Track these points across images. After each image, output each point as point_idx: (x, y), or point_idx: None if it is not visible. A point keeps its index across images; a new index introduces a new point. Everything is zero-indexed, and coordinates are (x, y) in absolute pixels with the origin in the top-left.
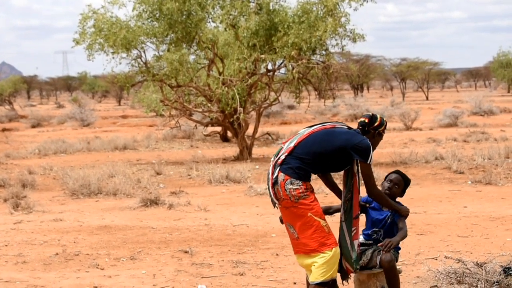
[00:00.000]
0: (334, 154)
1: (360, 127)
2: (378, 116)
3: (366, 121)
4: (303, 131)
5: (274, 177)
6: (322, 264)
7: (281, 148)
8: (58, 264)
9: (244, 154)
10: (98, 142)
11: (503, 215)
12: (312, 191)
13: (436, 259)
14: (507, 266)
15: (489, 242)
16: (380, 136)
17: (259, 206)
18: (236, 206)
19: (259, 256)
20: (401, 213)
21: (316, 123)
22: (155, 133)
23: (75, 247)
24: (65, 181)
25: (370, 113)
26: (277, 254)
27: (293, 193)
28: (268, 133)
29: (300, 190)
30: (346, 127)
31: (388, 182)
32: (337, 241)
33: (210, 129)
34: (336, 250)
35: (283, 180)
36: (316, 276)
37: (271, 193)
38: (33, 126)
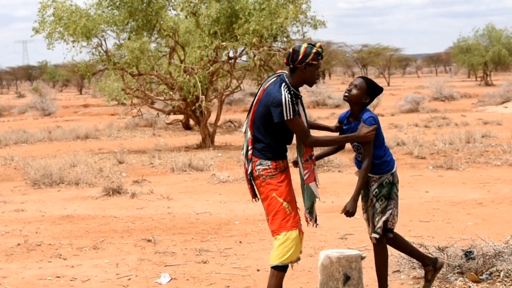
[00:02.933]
0: (271, 120)
1: (289, 68)
2: (302, 47)
3: (285, 61)
4: (249, 114)
5: (249, 172)
6: (278, 246)
7: (244, 142)
8: (20, 255)
9: (207, 142)
10: (59, 131)
11: (464, 200)
12: (283, 171)
13: None
14: (468, 250)
15: (451, 226)
16: (312, 66)
17: (222, 194)
18: (199, 194)
19: (222, 244)
20: (360, 140)
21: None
22: (117, 122)
23: (37, 237)
24: (26, 171)
25: (291, 49)
26: (240, 242)
27: (261, 173)
28: (230, 121)
29: (268, 170)
30: (273, 80)
31: (349, 86)
32: (297, 224)
33: (172, 117)
34: (292, 233)
35: (254, 161)
36: (272, 259)
37: (249, 191)
38: None
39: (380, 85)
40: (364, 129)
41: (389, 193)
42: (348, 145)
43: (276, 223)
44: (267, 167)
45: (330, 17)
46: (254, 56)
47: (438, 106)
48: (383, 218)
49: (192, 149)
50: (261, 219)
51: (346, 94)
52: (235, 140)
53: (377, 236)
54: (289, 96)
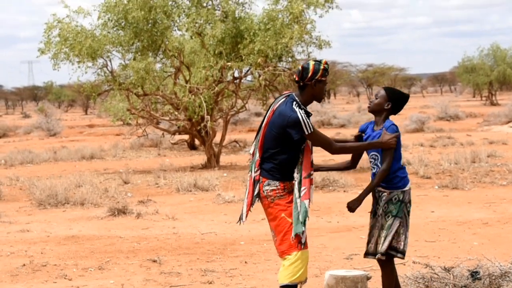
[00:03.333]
0: (285, 140)
1: (298, 85)
2: (310, 65)
3: (296, 78)
4: (258, 136)
5: (255, 194)
6: (288, 266)
7: (252, 163)
8: (25, 275)
9: (212, 162)
10: (65, 152)
11: (470, 219)
12: (290, 192)
13: (404, 264)
14: (474, 270)
15: (456, 246)
16: (321, 82)
17: (227, 214)
18: (204, 214)
19: (228, 264)
20: (383, 146)
21: (265, 114)
22: (122, 142)
23: (43, 258)
24: (31, 191)
25: (300, 66)
26: (245, 262)
27: (269, 193)
28: (235, 141)
29: (277, 191)
30: (282, 101)
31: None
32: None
33: (177, 137)
34: (304, 253)
35: (261, 182)
36: (282, 279)
37: (245, 210)
38: None
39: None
40: (386, 136)
41: (397, 211)
42: (360, 163)
43: (286, 243)
44: (275, 187)
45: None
46: (259, 76)
47: (444, 126)
48: (389, 238)
49: (197, 169)
50: (267, 239)
51: (369, 105)
52: (241, 160)
53: (382, 257)
54: (303, 112)
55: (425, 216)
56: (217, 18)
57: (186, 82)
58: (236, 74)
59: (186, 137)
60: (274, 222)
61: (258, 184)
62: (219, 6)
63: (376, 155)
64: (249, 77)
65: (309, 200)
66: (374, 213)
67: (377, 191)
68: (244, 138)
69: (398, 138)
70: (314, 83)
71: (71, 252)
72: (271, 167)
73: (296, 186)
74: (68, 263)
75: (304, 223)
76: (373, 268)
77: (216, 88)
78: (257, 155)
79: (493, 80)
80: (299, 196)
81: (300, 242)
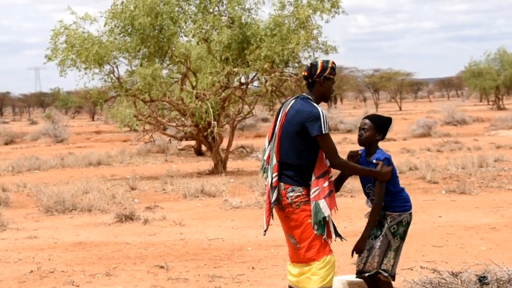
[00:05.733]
0: (303, 139)
1: (305, 82)
2: (319, 62)
3: (306, 74)
4: (273, 140)
5: (273, 200)
6: (318, 270)
7: (267, 169)
8: (33, 282)
9: (219, 167)
10: (72, 158)
11: (478, 224)
12: None
13: (412, 270)
14: (482, 275)
15: (464, 251)
16: (329, 80)
17: (234, 220)
18: (212, 220)
19: (235, 270)
20: (378, 178)
21: (274, 120)
22: (129, 148)
23: (50, 264)
24: (39, 198)
25: (309, 64)
26: (253, 268)
27: (294, 200)
28: (242, 146)
29: (302, 197)
30: (294, 101)
31: (359, 130)
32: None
33: (184, 143)
34: (332, 258)
35: (284, 189)
36: (312, 284)
37: (265, 219)
38: (6, 143)
39: (392, 109)
40: (385, 168)
41: (404, 234)
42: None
43: (315, 249)
44: (299, 193)
45: (341, 42)
46: (266, 81)
47: (450, 131)
48: (397, 259)
49: (204, 175)
50: (274, 245)
51: (359, 139)
52: (247, 165)
53: (385, 274)
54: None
55: (432, 221)
56: (224, 24)
57: (193, 88)
58: (242, 80)
59: (193, 143)
60: (299, 229)
61: (277, 190)
62: (226, 12)
63: (372, 189)
64: (255, 83)
65: (324, 200)
66: (372, 235)
67: (383, 215)
68: (251, 144)
69: (393, 166)
70: (322, 80)
71: (78, 258)
72: (293, 172)
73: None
74: (76, 269)
75: (321, 225)
76: None
77: (223, 94)
78: (274, 160)
79: (500, 85)
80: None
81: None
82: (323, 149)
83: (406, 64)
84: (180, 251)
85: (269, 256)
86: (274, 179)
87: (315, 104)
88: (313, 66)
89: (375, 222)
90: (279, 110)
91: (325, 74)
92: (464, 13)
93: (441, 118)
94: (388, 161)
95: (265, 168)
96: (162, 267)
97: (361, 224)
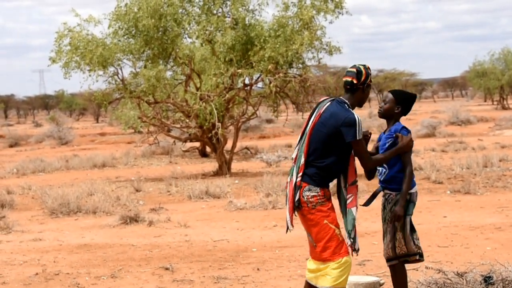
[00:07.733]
0: (335, 142)
1: (348, 87)
2: (362, 69)
3: (355, 81)
4: (303, 139)
5: (296, 199)
6: (332, 270)
7: (293, 168)
8: (38, 284)
9: (223, 169)
10: (76, 160)
11: (483, 224)
12: (329, 199)
13: (417, 270)
14: (488, 275)
15: (469, 251)
16: (369, 87)
17: (239, 221)
18: (216, 222)
19: (240, 271)
20: (404, 150)
21: (307, 119)
22: (134, 150)
23: (55, 266)
24: (44, 200)
25: (354, 69)
26: (258, 269)
27: (310, 199)
28: (247, 148)
29: (318, 197)
30: (329, 103)
31: (380, 103)
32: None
33: (188, 144)
34: (348, 259)
35: (302, 187)
36: (325, 282)
37: (289, 218)
38: (11, 146)
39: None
40: (405, 139)
41: (406, 211)
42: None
43: (331, 249)
44: (316, 193)
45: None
46: (270, 82)
47: (455, 131)
48: (407, 236)
49: (208, 176)
50: (279, 246)
51: (379, 111)
52: (252, 166)
53: (413, 258)
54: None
55: (437, 221)
56: (227, 25)
57: (197, 89)
58: (246, 81)
59: (197, 144)
60: (315, 229)
61: (299, 190)
62: (229, 13)
63: (384, 169)
64: (259, 84)
65: (356, 208)
66: (384, 220)
67: (384, 194)
68: (255, 145)
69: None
70: (365, 87)
71: (83, 260)
72: (315, 172)
73: (343, 195)
74: (81, 271)
75: (351, 232)
76: (385, 274)
77: (227, 95)
78: (302, 159)
79: (504, 84)
80: (345, 204)
81: (354, 249)
82: (356, 153)
83: (410, 64)
84: (185, 253)
85: (274, 257)
86: (299, 178)
87: (350, 109)
88: (359, 73)
89: (408, 190)
90: (313, 110)
91: (368, 81)
92: (468, 12)
93: (446, 118)
94: (405, 129)
95: (292, 168)
96: (167, 268)
97: (367, 225)
